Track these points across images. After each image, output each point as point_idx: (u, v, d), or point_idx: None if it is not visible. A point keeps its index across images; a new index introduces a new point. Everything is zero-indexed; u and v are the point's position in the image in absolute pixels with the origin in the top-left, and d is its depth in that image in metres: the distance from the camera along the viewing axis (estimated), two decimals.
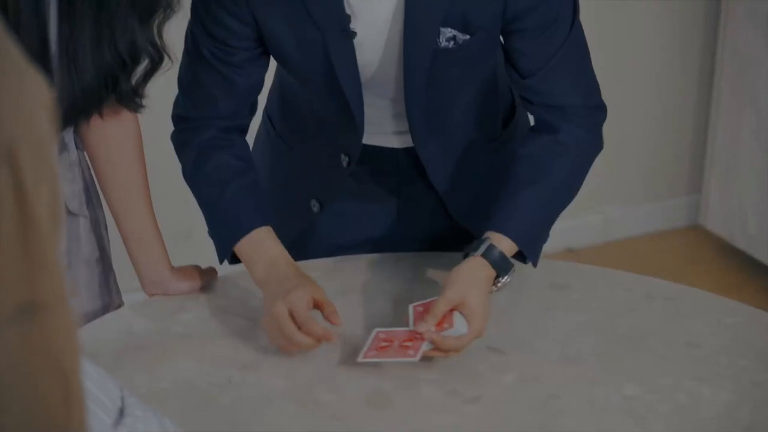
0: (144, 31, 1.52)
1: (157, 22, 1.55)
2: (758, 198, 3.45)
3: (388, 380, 1.58)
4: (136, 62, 1.54)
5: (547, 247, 1.79)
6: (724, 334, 1.69)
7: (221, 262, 1.74)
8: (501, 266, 1.62)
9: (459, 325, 1.56)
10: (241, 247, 1.68)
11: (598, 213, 3.69)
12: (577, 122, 1.70)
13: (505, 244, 1.63)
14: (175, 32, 1.60)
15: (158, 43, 1.56)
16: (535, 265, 1.69)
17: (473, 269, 1.61)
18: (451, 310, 1.58)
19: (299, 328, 1.57)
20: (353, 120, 1.72)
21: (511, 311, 1.74)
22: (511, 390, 1.56)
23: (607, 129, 1.75)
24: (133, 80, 1.57)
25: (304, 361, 1.62)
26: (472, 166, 1.83)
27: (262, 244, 1.68)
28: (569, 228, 3.44)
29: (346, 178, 1.83)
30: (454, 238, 1.87)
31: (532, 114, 1.76)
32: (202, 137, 1.73)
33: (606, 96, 1.75)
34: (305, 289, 1.60)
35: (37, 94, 0.76)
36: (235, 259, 1.73)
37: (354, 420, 1.50)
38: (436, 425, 1.49)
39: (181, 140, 1.76)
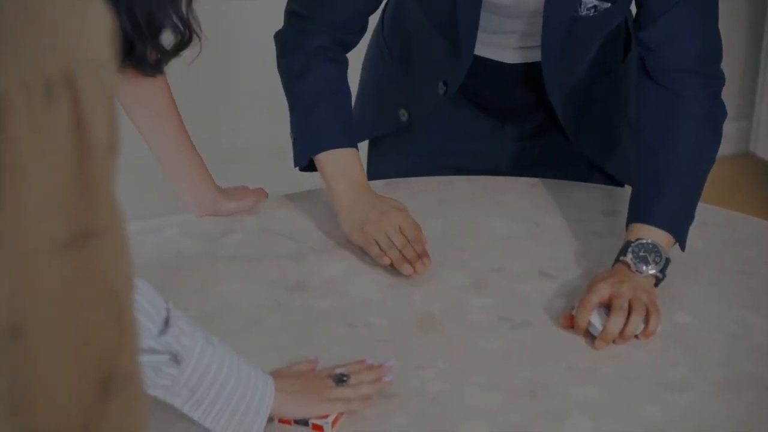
0: (166, 3, 1.51)
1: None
2: None
3: (437, 304, 1.58)
4: (154, 33, 1.53)
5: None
6: None
7: (296, 165, 1.76)
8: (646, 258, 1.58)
9: (596, 323, 1.51)
10: (328, 158, 1.71)
11: None
12: (693, 94, 1.65)
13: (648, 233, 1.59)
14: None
15: (187, 19, 1.54)
16: (683, 248, 1.63)
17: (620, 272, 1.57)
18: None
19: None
20: (459, 56, 1.73)
21: (563, 237, 1.73)
22: (561, 315, 1.55)
23: None
24: (159, 52, 1.55)
25: (353, 284, 1.62)
26: (590, 90, 1.84)
27: (350, 164, 1.71)
28: None
29: (443, 101, 1.83)
30: (558, 159, 1.89)
31: (646, 91, 1.67)
32: (315, 42, 1.73)
33: None
34: (404, 208, 1.67)
35: (97, 19, 0.76)
36: (305, 168, 1.76)
37: (402, 343, 1.49)
38: (485, 349, 1.49)
39: (291, 40, 1.76)
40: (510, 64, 1.80)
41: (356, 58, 1.84)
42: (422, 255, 1.62)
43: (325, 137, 1.71)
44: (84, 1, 0.75)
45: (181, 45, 1.47)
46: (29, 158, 0.72)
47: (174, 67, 1.53)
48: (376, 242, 1.64)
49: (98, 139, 0.74)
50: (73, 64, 0.72)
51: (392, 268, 1.64)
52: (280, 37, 1.78)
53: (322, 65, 1.73)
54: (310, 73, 1.73)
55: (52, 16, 0.73)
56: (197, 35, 1.46)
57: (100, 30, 0.76)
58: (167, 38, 1.43)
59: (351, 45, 1.78)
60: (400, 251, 1.63)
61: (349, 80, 1.77)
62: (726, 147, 3.70)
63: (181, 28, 1.43)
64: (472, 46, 1.72)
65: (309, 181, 1.88)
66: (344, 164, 1.70)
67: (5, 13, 0.72)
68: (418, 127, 1.90)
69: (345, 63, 1.77)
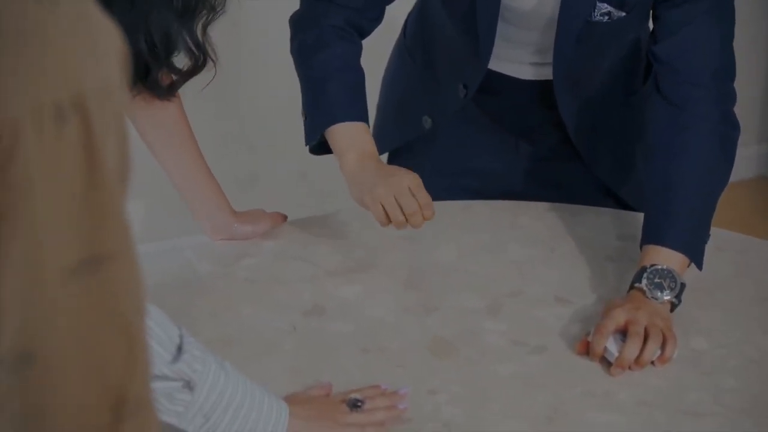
0: (182, 26, 1.51)
1: (201, 22, 1.54)
2: None
3: (452, 328, 1.57)
4: (169, 54, 1.53)
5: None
6: None
7: (307, 143, 1.76)
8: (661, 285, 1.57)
9: (612, 349, 1.50)
10: (337, 132, 1.70)
11: None
12: (703, 111, 1.64)
13: (663, 255, 1.59)
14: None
15: (202, 43, 1.53)
16: (699, 267, 1.63)
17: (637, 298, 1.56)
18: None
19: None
20: (478, 55, 1.74)
21: (578, 261, 1.72)
22: (576, 340, 1.53)
23: None
24: (174, 74, 1.53)
25: (368, 308, 1.61)
26: (606, 113, 1.84)
27: (360, 136, 1.70)
28: None
29: (465, 104, 1.84)
30: (572, 182, 1.89)
31: (657, 108, 1.68)
32: (329, 22, 1.74)
33: None
34: (415, 173, 1.63)
35: (108, 43, 0.76)
36: (316, 150, 1.76)
37: (416, 367, 1.48)
38: (500, 375, 1.47)
39: (306, 19, 1.77)
40: (524, 80, 1.81)
41: (374, 71, 1.84)
42: (429, 216, 1.60)
43: (336, 111, 1.71)
44: (95, 26, 0.75)
45: (195, 69, 1.48)
46: (40, 184, 0.72)
47: (190, 92, 1.53)
48: (382, 205, 1.60)
49: (109, 164, 0.74)
50: (84, 90, 0.72)
51: (405, 291, 1.64)
52: (294, 18, 1.79)
53: (336, 42, 1.73)
54: (323, 50, 1.73)
55: (62, 41, 0.73)
56: (212, 59, 1.46)
57: (110, 55, 0.76)
58: (181, 62, 1.43)
59: (366, 31, 1.78)
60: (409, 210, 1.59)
61: (367, 96, 1.77)
62: (746, 170, 3.72)
63: (196, 51, 1.44)
64: (491, 44, 1.73)
65: (325, 205, 1.88)
66: (355, 136, 1.69)
67: (16, 38, 0.72)
68: (437, 141, 1.91)
69: (359, 45, 1.77)
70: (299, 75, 1.76)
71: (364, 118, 1.72)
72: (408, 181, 1.60)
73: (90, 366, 0.75)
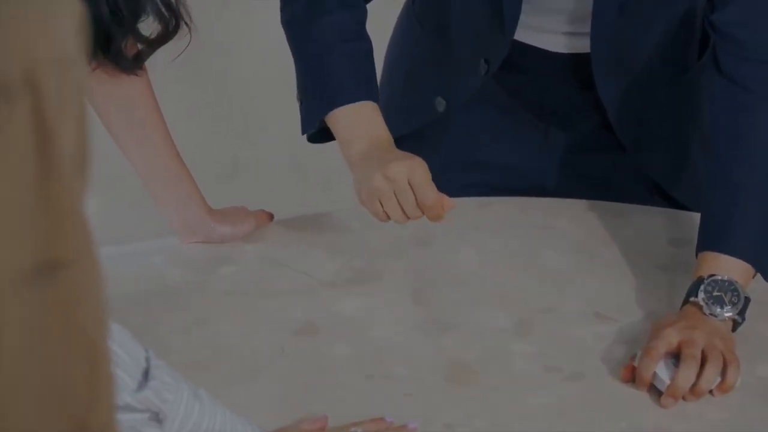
0: None
1: None
2: None
3: (473, 351, 1.49)
4: (135, 19, 1.47)
5: None
6: None
7: (305, 131, 1.65)
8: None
9: (662, 375, 1.41)
10: (341, 116, 1.59)
11: None
12: None
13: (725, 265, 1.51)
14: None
15: (174, 4, 1.49)
16: (766, 278, 1.55)
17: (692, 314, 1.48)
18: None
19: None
20: (502, 24, 1.64)
21: (623, 272, 1.63)
22: (620, 365, 1.45)
23: None
24: (140, 42, 1.51)
25: (372, 326, 1.54)
26: (654, 94, 1.74)
27: (368, 119, 1.58)
28: None
29: (485, 83, 1.75)
30: (612, 177, 1.79)
31: (716, 88, 1.58)
32: None
33: None
34: (422, 160, 1.51)
35: (64, 9, 0.70)
36: (316, 137, 1.67)
37: (430, 397, 1.41)
38: (530, 406, 1.40)
39: None
40: (556, 53, 1.71)
41: (377, 43, 1.74)
42: (444, 204, 1.50)
43: (338, 91, 1.60)
44: None
45: (166, 35, 1.43)
46: None
47: (163, 66, 1.50)
48: (381, 203, 1.51)
49: (66, 152, 0.69)
50: (35, 64, 0.67)
51: (414, 306, 1.56)
52: None
53: (335, 9, 1.63)
54: (320, 19, 1.63)
55: (8, 7, 0.67)
56: (185, 23, 1.41)
57: (66, 22, 0.70)
58: (148, 28, 1.39)
59: None
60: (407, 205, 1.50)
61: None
62: None
63: (167, 14, 1.40)
64: (518, 12, 1.63)
65: (321, 202, 1.78)
66: (361, 121, 1.59)
67: None
68: (451, 128, 1.81)
69: (363, 9, 1.67)
70: (292, 50, 1.66)
71: (372, 95, 1.60)
72: (409, 172, 1.49)
73: (45, 389, 0.69)
